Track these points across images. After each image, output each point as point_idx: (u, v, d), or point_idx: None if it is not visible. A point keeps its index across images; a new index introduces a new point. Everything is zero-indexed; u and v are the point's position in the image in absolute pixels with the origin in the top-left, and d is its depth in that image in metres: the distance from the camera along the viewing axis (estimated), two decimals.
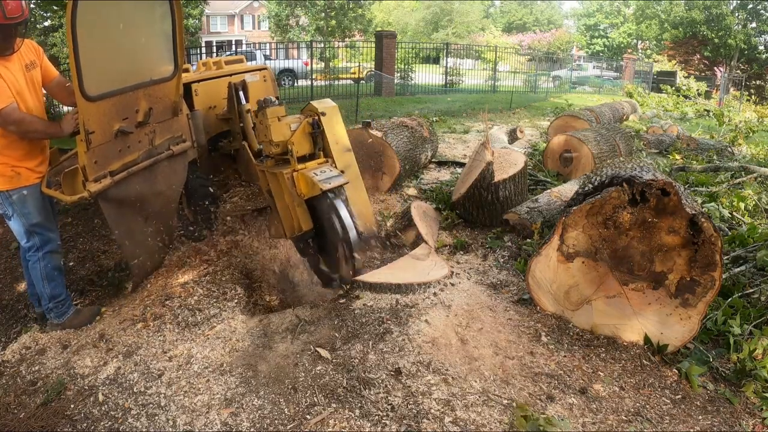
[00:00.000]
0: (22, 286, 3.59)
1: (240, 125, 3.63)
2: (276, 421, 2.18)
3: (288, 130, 3.17)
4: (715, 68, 27.54)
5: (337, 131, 3.31)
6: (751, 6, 27.23)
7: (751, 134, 9.15)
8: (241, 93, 3.53)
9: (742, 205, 4.56)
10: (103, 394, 2.38)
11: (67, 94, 3.02)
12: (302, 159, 3.20)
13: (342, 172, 3.19)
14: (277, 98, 4.26)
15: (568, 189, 4.53)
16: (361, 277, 3.14)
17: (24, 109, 2.76)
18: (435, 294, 3.12)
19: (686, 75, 23.33)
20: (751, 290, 3.13)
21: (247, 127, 3.52)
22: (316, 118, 3.21)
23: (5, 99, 2.62)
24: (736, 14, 27.26)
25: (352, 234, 3.01)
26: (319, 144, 3.24)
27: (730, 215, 4.36)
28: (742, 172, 5.69)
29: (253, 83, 3.92)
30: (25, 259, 3.04)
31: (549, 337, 2.73)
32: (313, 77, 18.40)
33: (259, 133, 3.30)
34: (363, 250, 3.14)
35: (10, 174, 2.81)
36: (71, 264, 3.93)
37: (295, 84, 18.21)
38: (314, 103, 3.30)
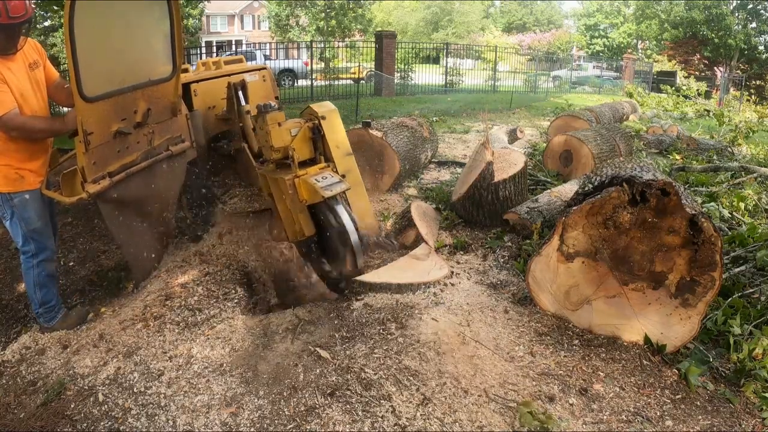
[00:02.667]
0: (22, 286, 3.59)
1: (240, 126, 3.62)
2: (276, 421, 2.18)
3: (288, 135, 3.15)
4: (715, 68, 27.53)
5: (337, 135, 3.29)
6: (751, 6, 27.21)
7: (751, 134, 9.13)
8: (240, 93, 3.52)
9: (742, 205, 4.56)
10: (103, 394, 2.38)
11: (66, 96, 3.02)
12: (303, 164, 3.19)
13: (343, 176, 3.18)
14: (277, 98, 4.27)
15: (568, 189, 4.53)
16: (361, 278, 3.14)
17: (28, 110, 2.74)
18: (435, 294, 3.12)
19: (686, 75, 23.34)
20: (751, 290, 3.13)
21: (246, 128, 3.50)
22: (317, 122, 3.19)
23: (7, 105, 2.61)
24: (736, 14, 27.25)
25: (354, 238, 3.03)
26: (319, 148, 3.23)
27: (730, 215, 4.36)
28: (742, 172, 5.69)
29: (252, 83, 3.91)
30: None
31: (549, 337, 2.73)
32: (313, 77, 18.39)
33: (260, 138, 3.28)
34: (365, 252, 3.16)
35: (14, 176, 2.80)
36: (71, 264, 3.93)
37: (295, 84, 18.21)
38: (314, 106, 3.27)
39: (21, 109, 2.69)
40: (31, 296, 3.02)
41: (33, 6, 2.75)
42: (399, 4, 45.82)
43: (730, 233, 3.86)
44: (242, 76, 3.73)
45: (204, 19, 36.84)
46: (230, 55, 10.91)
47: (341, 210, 3.06)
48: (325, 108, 3.28)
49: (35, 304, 3.02)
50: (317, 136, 3.20)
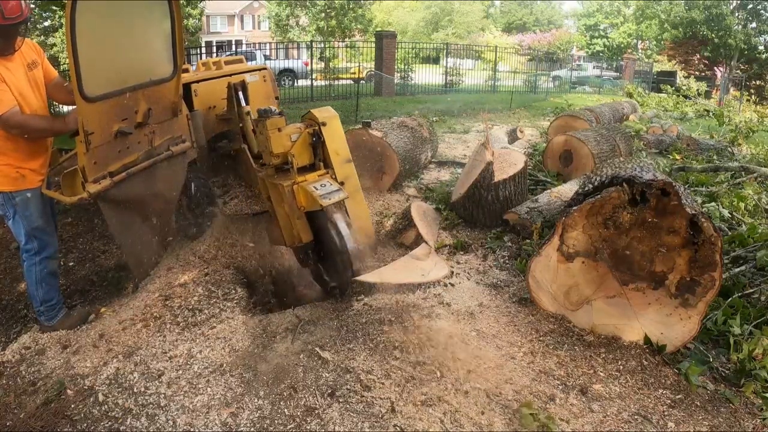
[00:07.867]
0: (22, 286, 3.59)
1: (240, 127, 3.63)
2: (276, 421, 2.18)
3: (288, 141, 3.13)
4: (715, 68, 27.51)
5: (337, 142, 3.24)
6: (751, 6, 27.18)
7: (751, 134, 9.14)
8: (240, 94, 3.52)
9: (742, 205, 4.56)
10: (103, 394, 2.38)
11: (65, 94, 3.02)
12: (302, 169, 3.17)
13: (342, 183, 3.16)
14: (277, 98, 4.27)
15: (568, 189, 4.53)
16: (361, 277, 3.14)
17: (27, 109, 2.75)
18: (435, 294, 3.12)
19: (686, 75, 23.34)
20: (751, 290, 3.13)
21: (247, 129, 3.50)
22: (317, 128, 3.17)
23: (7, 103, 2.61)
24: (736, 14, 27.22)
25: (350, 246, 3.01)
26: (318, 154, 3.20)
27: (730, 215, 4.36)
28: (742, 172, 5.69)
29: (253, 83, 3.91)
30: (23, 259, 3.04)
31: (549, 338, 2.73)
32: (313, 77, 18.39)
33: (260, 143, 3.27)
34: (361, 261, 3.12)
35: (15, 175, 2.81)
36: (71, 264, 3.93)
37: (295, 84, 18.20)
38: (315, 111, 3.24)
39: (21, 108, 2.70)
40: (33, 294, 3.02)
41: (32, 6, 2.76)
42: (399, 4, 45.83)
43: (730, 233, 3.86)
44: (242, 77, 3.72)
45: (204, 19, 36.77)
46: (230, 55, 10.91)
47: (338, 219, 3.04)
48: (326, 114, 3.22)
49: (36, 302, 3.02)
50: (317, 142, 3.16)
